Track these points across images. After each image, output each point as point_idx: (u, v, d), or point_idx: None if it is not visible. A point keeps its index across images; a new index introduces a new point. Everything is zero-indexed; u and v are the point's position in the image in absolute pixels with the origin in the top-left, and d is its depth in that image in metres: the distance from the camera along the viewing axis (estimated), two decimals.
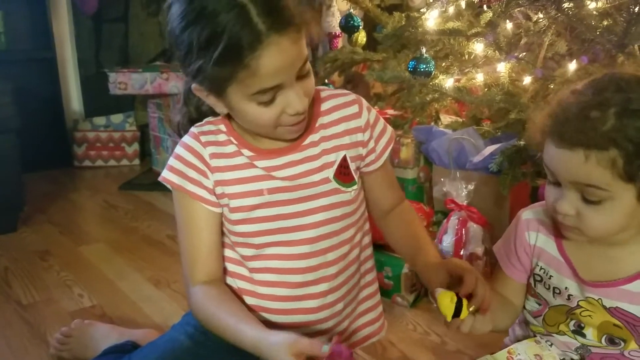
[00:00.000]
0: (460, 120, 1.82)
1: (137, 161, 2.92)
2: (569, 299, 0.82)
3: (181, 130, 0.95)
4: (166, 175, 0.89)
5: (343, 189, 0.90)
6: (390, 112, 1.95)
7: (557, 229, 0.81)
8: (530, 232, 0.85)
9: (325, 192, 0.89)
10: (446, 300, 0.74)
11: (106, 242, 1.92)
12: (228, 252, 0.93)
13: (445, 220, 1.51)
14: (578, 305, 0.82)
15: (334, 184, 0.89)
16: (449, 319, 0.75)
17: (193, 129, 0.91)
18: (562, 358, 0.85)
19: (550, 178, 0.76)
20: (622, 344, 0.80)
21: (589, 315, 0.82)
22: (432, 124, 1.78)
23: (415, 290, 1.54)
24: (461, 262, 0.81)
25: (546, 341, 0.87)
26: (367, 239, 1.01)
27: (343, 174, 0.91)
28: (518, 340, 0.91)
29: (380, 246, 1.31)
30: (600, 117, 0.68)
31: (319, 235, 0.90)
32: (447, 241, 1.46)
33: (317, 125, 0.91)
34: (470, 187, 1.46)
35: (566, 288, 0.82)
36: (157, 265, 1.73)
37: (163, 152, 2.63)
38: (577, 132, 0.69)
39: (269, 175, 0.88)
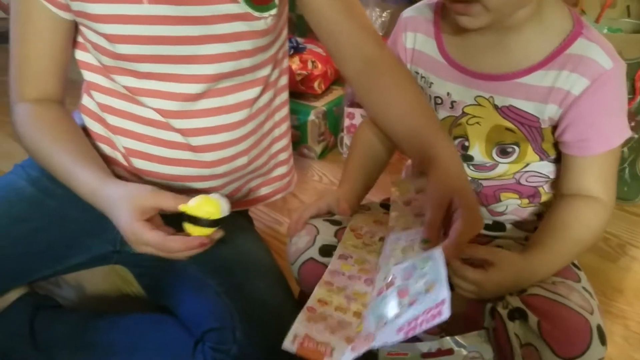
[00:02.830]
0: None
1: None
2: (452, 107, 0.69)
3: None
4: None
5: (255, 14, 0.67)
6: None
7: (439, 26, 0.70)
8: (408, 33, 0.72)
9: (230, 15, 0.65)
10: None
11: None
12: (100, 79, 0.72)
13: None
14: (464, 113, 0.68)
15: (243, 6, 0.66)
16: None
17: None
18: None
19: None
20: (516, 150, 0.67)
21: (477, 122, 0.68)
22: None
23: (324, 141, 1.37)
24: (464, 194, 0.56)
25: None
26: (284, 80, 0.79)
27: None
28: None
29: None
30: None
31: (220, 73, 0.68)
32: None
33: None
34: (386, 15, 1.24)
35: (448, 94, 0.69)
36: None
37: None
38: None
39: None
